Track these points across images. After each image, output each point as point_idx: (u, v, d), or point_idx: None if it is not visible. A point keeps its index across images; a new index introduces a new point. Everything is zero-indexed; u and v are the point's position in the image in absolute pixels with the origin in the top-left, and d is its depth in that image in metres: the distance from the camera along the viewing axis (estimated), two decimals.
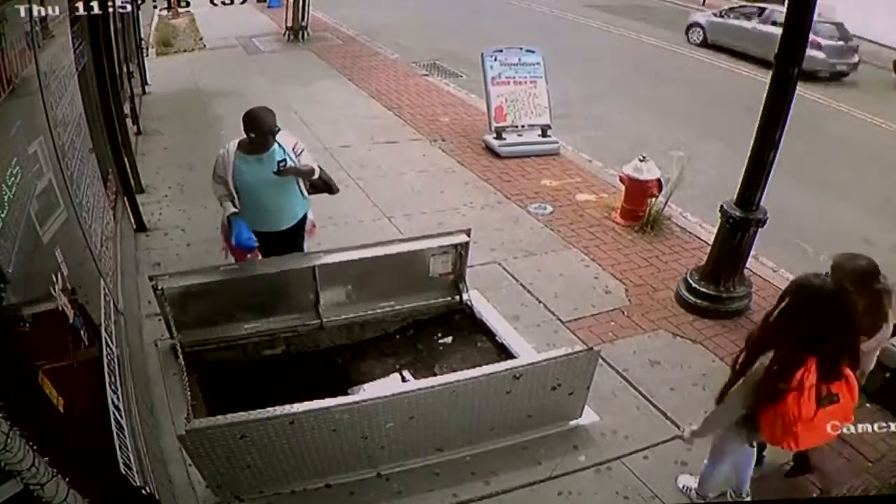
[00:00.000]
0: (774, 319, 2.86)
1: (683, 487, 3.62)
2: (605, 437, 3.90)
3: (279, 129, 4.10)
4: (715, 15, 14.77)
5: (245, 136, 4.12)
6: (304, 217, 4.42)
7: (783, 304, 2.84)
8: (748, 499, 3.52)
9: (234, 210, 4.17)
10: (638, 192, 6.19)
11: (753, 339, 2.93)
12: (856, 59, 13.01)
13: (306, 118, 8.69)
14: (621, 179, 6.38)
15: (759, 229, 4.86)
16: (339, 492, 3.53)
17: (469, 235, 4.62)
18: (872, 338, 3.26)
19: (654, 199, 6.22)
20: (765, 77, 4.42)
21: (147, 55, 11.17)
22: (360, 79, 10.65)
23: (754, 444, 3.23)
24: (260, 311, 4.35)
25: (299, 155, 4.18)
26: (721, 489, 3.53)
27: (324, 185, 4.45)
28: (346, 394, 3.76)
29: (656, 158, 6.29)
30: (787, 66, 4.34)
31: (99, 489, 2.49)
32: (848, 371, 2.89)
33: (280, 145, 4.13)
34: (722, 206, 4.87)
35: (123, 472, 2.82)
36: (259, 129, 4.03)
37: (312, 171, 4.25)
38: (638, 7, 17.13)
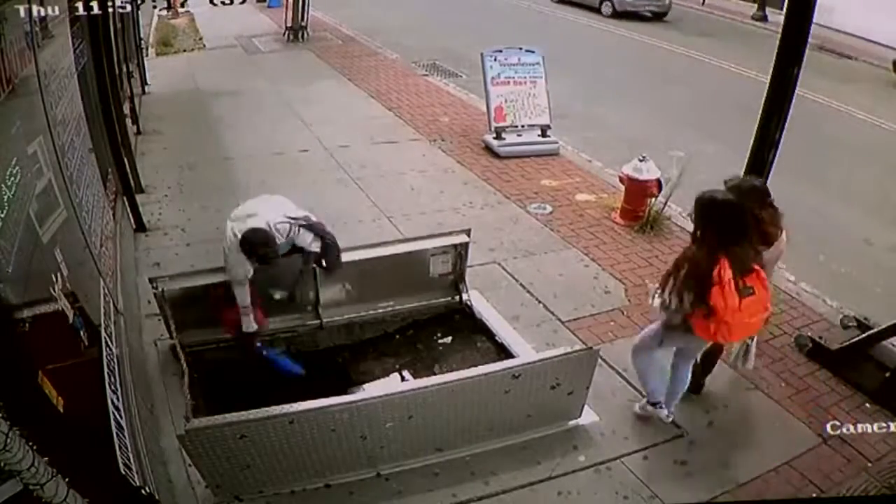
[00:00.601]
0: (693, 234, 3.49)
1: (640, 409, 3.96)
2: (605, 437, 3.90)
3: (277, 254, 4.00)
4: None
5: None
6: None
7: (696, 219, 3.46)
8: (669, 418, 3.94)
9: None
10: (638, 192, 6.19)
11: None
12: (667, 1, 16.60)
13: (306, 118, 8.69)
14: (621, 179, 6.37)
15: None
16: (338, 492, 3.53)
17: (469, 235, 4.63)
18: (771, 248, 3.73)
19: (653, 199, 6.21)
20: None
21: (147, 55, 11.18)
22: (359, 79, 10.64)
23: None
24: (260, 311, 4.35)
25: (296, 235, 4.10)
26: (663, 390, 3.91)
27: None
28: (346, 394, 3.76)
29: (656, 158, 6.29)
30: (787, 65, 4.34)
31: (99, 489, 2.50)
32: (757, 267, 3.44)
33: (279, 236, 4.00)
34: None
35: (123, 472, 2.83)
36: (259, 256, 3.96)
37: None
38: None
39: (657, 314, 3.67)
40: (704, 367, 4.14)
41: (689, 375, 3.96)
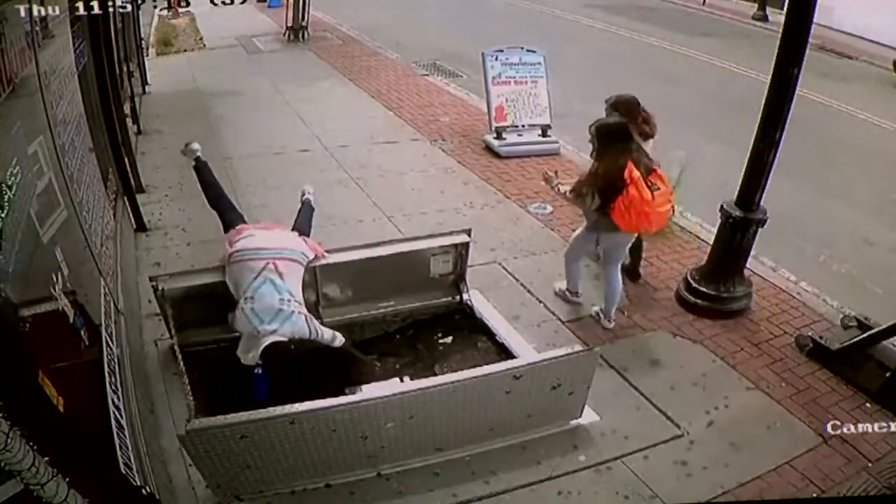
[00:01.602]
0: (596, 153, 4.45)
1: (558, 290, 5.06)
2: (605, 437, 3.90)
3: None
4: None
5: None
6: None
7: (596, 142, 4.44)
8: (611, 325, 4.81)
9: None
10: None
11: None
12: None
13: (306, 118, 8.69)
14: None
15: (760, 229, 4.86)
16: (339, 492, 3.53)
17: (469, 235, 4.63)
18: (648, 141, 4.84)
19: None
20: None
21: (147, 55, 11.15)
22: (360, 79, 10.64)
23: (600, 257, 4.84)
24: None
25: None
26: (579, 284, 5.01)
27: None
28: (345, 394, 3.76)
29: (656, 158, 6.27)
30: (787, 65, 4.34)
31: (99, 489, 2.50)
32: (655, 166, 4.47)
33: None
34: (722, 206, 4.87)
35: (123, 471, 2.83)
36: None
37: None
38: (638, 7, 17.13)
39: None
40: (634, 258, 5.26)
41: (620, 282, 4.79)
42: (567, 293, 5.02)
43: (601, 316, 4.82)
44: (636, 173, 4.26)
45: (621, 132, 4.42)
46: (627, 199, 4.25)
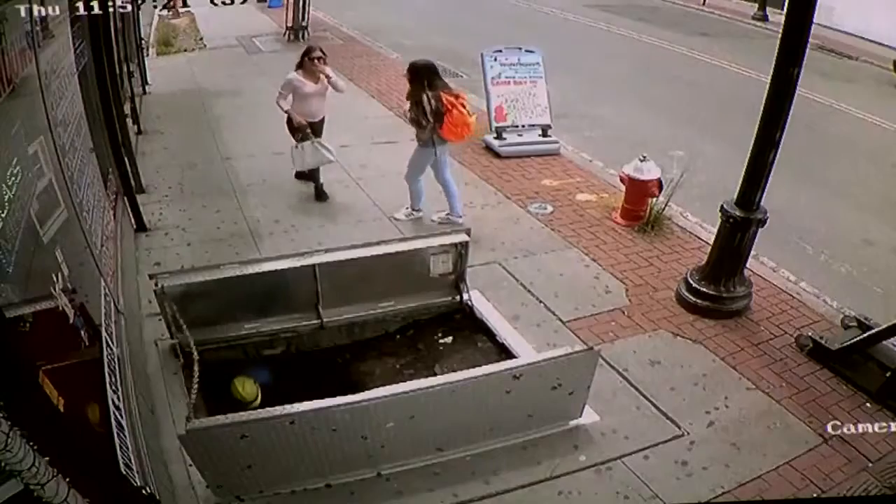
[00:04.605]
0: (417, 88, 5.61)
1: (404, 215, 6.12)
2: (606, 437, 3.90)
3: None
4: None
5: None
6: None
7: (411, 78, 5.67)
8: (461, 220, 5.96)
9: None
10: (638, 192, 6.18)
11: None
12: None
13: None
14: (621, 179, 6.37)
15: (760, 229, 4.87)
16: (339, 492, 3.54)
17: (469, 235, 4.63)
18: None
19: (654, 199, 6.21)
20: None
21: (147, 55, 11.14)
22: (360, 79, 10.63)
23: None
24: (260, 311, 4.35)
25: None
26: (421, 202, 6.10)
27: None
28: (346, 393, 3.76)
29: (657, 158, 6.29)
30: (787, 66, 4.34)
31: (99, 489, 2.50)
32: (458, 92, 5.79)
33: None
34: (722, 206, 4.87)
35: (123, 471, 2.83)
36: None
37: None
38: (638, 7, 17.13)
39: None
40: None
41: (454, 182, 6.01)
42: (413, 212, 6.11)
43: (451, 216, 5.97)
44: (451, 101, 5.55)
45: (433, 68, 5.67)
46: (453, 119, 5.54)
